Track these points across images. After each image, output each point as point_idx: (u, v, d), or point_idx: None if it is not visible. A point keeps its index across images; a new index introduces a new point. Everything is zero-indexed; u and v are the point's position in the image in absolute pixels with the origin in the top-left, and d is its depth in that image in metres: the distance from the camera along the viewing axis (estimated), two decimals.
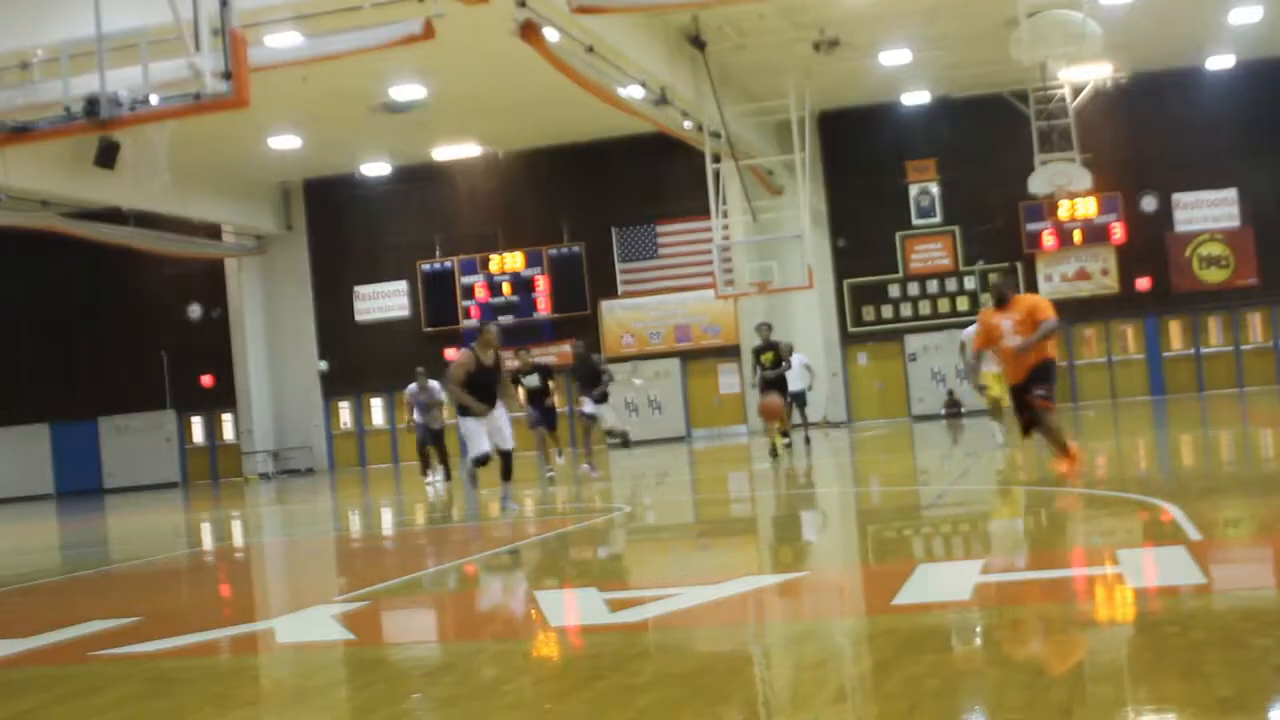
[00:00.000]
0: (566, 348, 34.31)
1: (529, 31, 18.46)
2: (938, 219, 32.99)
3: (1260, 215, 31.62)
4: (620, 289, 33.96)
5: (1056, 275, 32.55)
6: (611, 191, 33.72)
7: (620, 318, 34.05)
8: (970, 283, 32.77)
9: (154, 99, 12.11)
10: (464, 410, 13.00)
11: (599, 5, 18.56)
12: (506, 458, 13.24)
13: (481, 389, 13.04)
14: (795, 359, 22.22)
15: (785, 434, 19.78)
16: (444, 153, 33.30)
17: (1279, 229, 31.45)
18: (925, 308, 33.06)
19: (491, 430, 13.09)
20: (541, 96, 26.63)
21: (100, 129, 12.39)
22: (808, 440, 21.72)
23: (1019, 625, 5.51)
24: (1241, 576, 6.65)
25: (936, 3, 25.32)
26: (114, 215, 30.83)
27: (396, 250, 35.14)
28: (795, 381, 21.53)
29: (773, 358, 19.44)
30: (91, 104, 11.73)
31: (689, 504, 13.89)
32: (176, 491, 32.83)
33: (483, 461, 13.06)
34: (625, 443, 21.67)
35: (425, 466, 21.70)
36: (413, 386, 21.69)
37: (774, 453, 19.10)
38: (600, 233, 33.90)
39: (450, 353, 34.99)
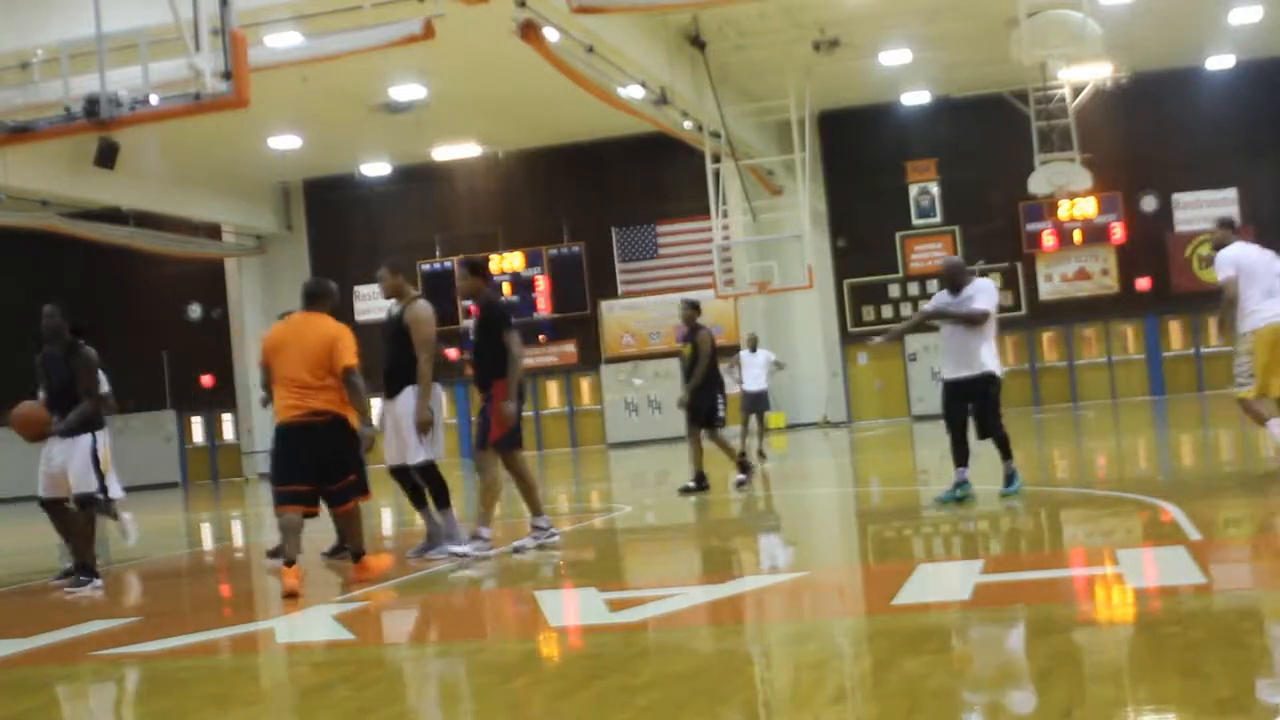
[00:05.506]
0: (570, 347, 34.47)
1: (529, 31, 18.46)
2: (938, 219, 32.99)
3: (1260, 215, 31.54)
4: (620, 289, 33.95)
5: (1056, 275, 32.54)
6: (611, 191, 33.71)
7: (620, 318, 34.03)
8: None
9: (154, 99, 12.14)
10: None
11: (599, 5, 18.55)
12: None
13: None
14: (760, 354, 19.06)
15: (742, 467, 14.25)
16: (444, 153, 33.29)
17: (1279, 229, 31.41)
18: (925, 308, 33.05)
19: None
20: (541, 96, 26.62)
21: (100, 129, 12.41)
22: (762, 455, 17.93)
23: (1019, 625, 5.51)
24: (1241, 576, 6.65)
25: (936, 3, 25.32)
26: (114, 215, 30.82)
27: (396, 250, 35.08)
28: (755, 380, 18.37)
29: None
30: (91, 104, 11.75)
31: (688, 504, 13.85)
32: (177, 491, 32.80)
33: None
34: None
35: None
36: None
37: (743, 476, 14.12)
38: (600, 233, 33.88)
39: (452, 353, 35.01)
